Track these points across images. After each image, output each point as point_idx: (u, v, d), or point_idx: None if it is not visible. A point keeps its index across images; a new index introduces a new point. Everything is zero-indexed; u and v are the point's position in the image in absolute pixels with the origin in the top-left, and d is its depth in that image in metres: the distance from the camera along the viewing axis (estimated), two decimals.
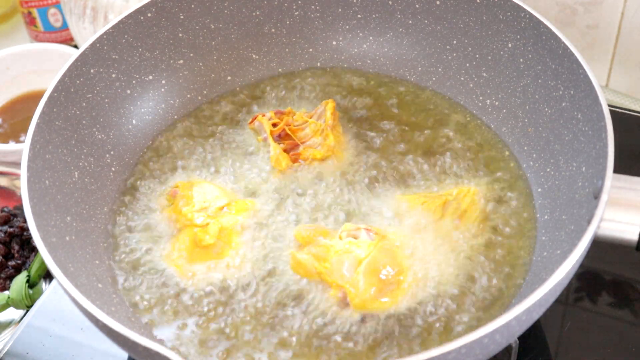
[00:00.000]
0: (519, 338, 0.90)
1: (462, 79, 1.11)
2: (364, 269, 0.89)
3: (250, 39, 1.16)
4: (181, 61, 1.13)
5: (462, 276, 0.91)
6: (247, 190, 1.02)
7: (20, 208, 1.20)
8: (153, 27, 1.09)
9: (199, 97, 1.15)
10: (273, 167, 1.04)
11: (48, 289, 1.06)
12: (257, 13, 1.15)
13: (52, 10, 1.44)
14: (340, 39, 1.18)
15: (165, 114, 1.12)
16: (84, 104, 1.03)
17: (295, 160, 1.04)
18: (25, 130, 1.17)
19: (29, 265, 1.12)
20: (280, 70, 1.18)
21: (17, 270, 1.14)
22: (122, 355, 0.98)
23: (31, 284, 1.10)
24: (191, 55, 1.14)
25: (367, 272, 0.89)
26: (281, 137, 1.06)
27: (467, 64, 1.10)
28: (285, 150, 1.04)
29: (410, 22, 1.13)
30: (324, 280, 0.90)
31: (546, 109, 1.00)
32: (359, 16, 1.16)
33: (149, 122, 1.10)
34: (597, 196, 0.82)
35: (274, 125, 1.06)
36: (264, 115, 1.08)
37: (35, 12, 1.44)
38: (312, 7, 1.16)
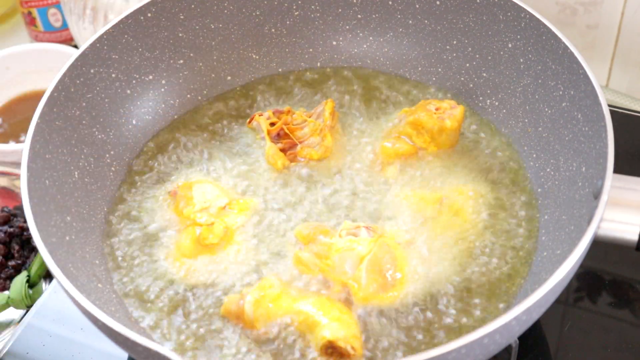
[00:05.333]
0: (519, 338, 0.90)
1: (462, 79, 1.11)
2: (366, 265, 0.89)
3: (250, 39, 1.16)
4: (181, 61, 1.13)
5: (461, 275, 0.91)
6: (247, 190, 1.02)
7: (20, 208, 1.20)
8: (153, 27, 1.09)
9: (199, 97, 1.15)
10: (271, 165, 1.04)
11: (48, 289, 1.06)
12: (257, 13, 1.15)
13: (52, 10, 1.44)
14: (340, 39, 1.18)
15: (165, 114, 1.12)
16: (84, 104, 1.03)
17: (293, 160, 1.04)
18: (25, 130, 1.18)
19: (29, 265, 1.12)
20: (280, 70, 1.18)
21: (17, 270, 1.14)
22: (122, 355, 0.98)
23: (31, 284, 1.10)
24: (191, 55, 1.14)
25: (369, 268, 0.89)
26: (280, 136, 1.06)
27: (467, 64, 1.10)
28: (283, 150, 1.04)
29: (410, 22, 1.13)
30: (326, 277, 0.90)
31: (546, 109, 1.00)
32: (359, 16, 1.16)
33: (149, 122, 1.10)
34: (597, 196, 0.82)
35: (273, 124, 1.06)
36: (261, 115, 1.08)
37: (35, 12, 1.44)
38: (312, 7, 1.16)
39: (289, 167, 1.04)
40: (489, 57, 1.08)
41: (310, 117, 1.07)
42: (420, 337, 0.87)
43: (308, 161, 1.04)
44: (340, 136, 1.07)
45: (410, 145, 1.03)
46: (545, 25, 0.98)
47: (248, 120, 1.10)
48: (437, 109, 1.02)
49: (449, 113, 1.02)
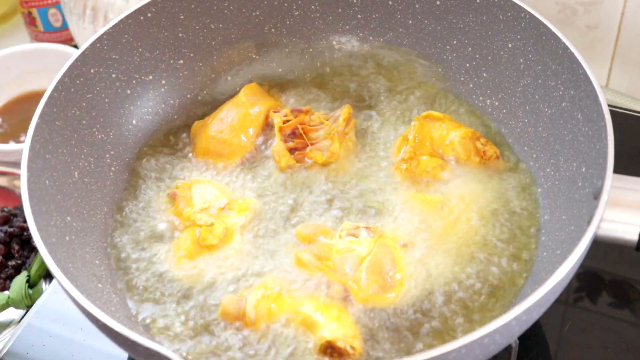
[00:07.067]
0: (519, 338, 0.90)
1: (462, 79, 1.11)
2: (366, 266, 0.89)
3: (250, 39, 1.16)
4: (181, 61, 1.13)
5: (462, 275, 0.91)
6: (247, 189, 1.02)
7: (20, 208, 1.20)
8: (153, 27, 1.09)
9: (199, 97, 1.15)
10: (275, 164, 1.03)
11: (48, 289, 1.06)
12: (257, 13, 1.15)
13: (52, 10, 1.44)
14: (341, 39, 1.17)
15: (165, 114, 1.12)
16: (84, 104, 1.03)
17: (300, 160, 1.04)
18: (25, 130, 1.17)
19: (29, 265, 1.12)
20: (280, 70, 1.18)
21: (17, 270, 1.14)
22: (122, 355, 0.99)
23: (31, 284, 1.10)
24: (191, 55, 1.14)
25: (369, 269, 0.89)
26: (296, 135, 1.05)
27: (467, 64, 1.10)
28: (294, 149, 1.04)
29: (410, 22, 1.13)
30: (327, 277, 0.90)
31: (546, 109, 1.00)
32: (359, 16, 1.16)
33: (149, 122, 1.10)
34: (597, 196, 0.82)
35: (287, 122, 1.06)
36: (276, 112, 1.07)
37: (35, 12, 1.44)
38: (312, 7, 1.16)
39: (293, 167, 1.03)
40: (489, 57, 1.08)
41: (327, 119, 1.06)
42: (420, 337, 0.87)
43: (313, 164, 1.03)
44: (354, 143, 1.06)
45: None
46: (545, 25, 0.98)
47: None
48: (484, 153, 1.01)
49: (493, 164, 1.01)
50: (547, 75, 0.99)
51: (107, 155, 1.05)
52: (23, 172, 0.89)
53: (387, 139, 1.06)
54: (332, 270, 0.90)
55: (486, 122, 1.08)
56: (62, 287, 0.80)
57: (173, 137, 1.10)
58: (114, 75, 1.07)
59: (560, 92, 0.97)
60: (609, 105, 0.94)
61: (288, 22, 1.16)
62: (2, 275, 1.13)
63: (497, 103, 1.08)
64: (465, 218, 0.96)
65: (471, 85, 1.11)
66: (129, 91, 1.09)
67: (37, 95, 1.15)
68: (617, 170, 0.83)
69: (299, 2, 1.15)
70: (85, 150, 1.01)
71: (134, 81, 1.09)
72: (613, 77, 1.35)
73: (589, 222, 0.79)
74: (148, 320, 0.91)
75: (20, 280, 1.09)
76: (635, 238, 0.84)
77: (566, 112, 0.96)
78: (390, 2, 1.14)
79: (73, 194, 0.97)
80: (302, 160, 1.04)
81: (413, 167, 1.00)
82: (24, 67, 1.38)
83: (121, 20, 1.06)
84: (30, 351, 1.00)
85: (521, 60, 1.04)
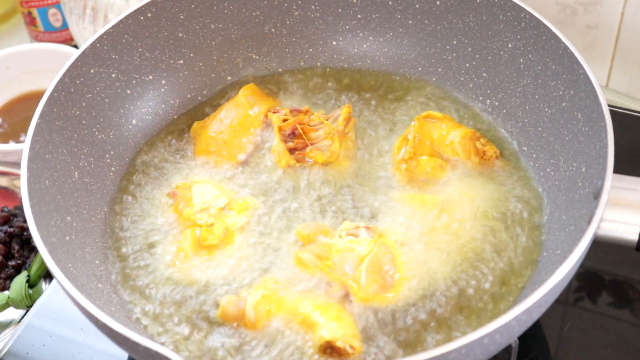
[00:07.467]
0: (519, 338, 0.90)
1: (462, 79, 1.11)
2: (366, 265, 0.89)
3: (250, 39, 1.16)
4: (181, 61, 1.13)
5: (462, 275, 0.91)
6: (247, 189, 1.02)
7: (20, 208, 1.20)
8: (153, 27, 1.09)
9: (199, 97, 1.15)
10: (275, 165, 1.03)
11: (48, 289, 1.06)
12: (257, 13, 1.15)
13: (52, 10, 1.44)
14: (340, 39, 1.18)
15: (165, 114, 1.12)
16: (84, 104, 1.03)
17: (300, 160, 1.04)
18: (25, 130, 1.18)
19: (29, 265, 1.12)
20: (280, 70, 1.18)
21: (17, 270, 1.14)
22: (122, 355, 0.99)
23: (31, 284, 1.10)
24: (191, 55, 1.14)
25: (369, 268, 0.89)
26: (295, 135, 1.05)
27: (467, 64, 1.10)
28: (294, 149, 1.04)
29: (410, 22, 1.13)
30: (327, 277, 0.90)
31: (546, 109, 1.00)
32: (359, 16, 1.16)
33: (149, 122, 1.10)
34: (597, 196, 0.82)
35: (285, 121, 1.06)
36: (275, 112, 1.07)
37: (35, 12, 1.44)
38: (312, 7, 1.16)
39: (293, 167, 1.03)
40: (489, 57, 1.08)
41: (327, 119, 1.06)
42: (419, 337, 0.87)
43: (313, 164, 1.03)
44: (353, 143, 1.06)
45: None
46: (545, 25, 0.98)
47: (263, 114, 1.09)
48: (484, 153, 1.02)
49: (493, 164, 1.01)
50: (547, 75, 0.99)
51: (107, 155, 1.05)
52: (23, 172, 0.89)
53: (387, 139, 1.07)
54: (332, 269, 0.90)
55: (486, 122, 1.08)
56: (62, 287, 0.80)
57: (173, 137, 1.10)
58: (114, 75, 1.07)
59: (560, 92, 0.97)
60: (609, 105, 0.95)
61: (288, 22, 1.17)
62: (2, 275, 1.13)
63: (497, 103, 1.08)
64: (465, 218, 0.96)
65: (471, 85, 1.11)
66: (129, 91, 1.09)
67: (37, 95, 1.16)
68: (617, 170, 0.83)
69: (299, 2, 1.15)
70: (85, 150, 1.01)
71: (134, 81, 1.09)
72: (613, 77, 1.35)
73: (589, 222, 0.79)
74: (148, 320, 0.91)
75: (20, 280, 1.09)
76: (635, 238, 0.84)
77: (566, 112, 0.96)
78: (390, 2, 1.14)
79: (73, 194, 0.97)
80: (302, 160, 1.04)
81: (413, 167, 1.00)
82: (24, 67, 1.38)
83: (121, 20, 1.06)
84: (30, 351, 1.00)
85: (521, 60, 1.04)
